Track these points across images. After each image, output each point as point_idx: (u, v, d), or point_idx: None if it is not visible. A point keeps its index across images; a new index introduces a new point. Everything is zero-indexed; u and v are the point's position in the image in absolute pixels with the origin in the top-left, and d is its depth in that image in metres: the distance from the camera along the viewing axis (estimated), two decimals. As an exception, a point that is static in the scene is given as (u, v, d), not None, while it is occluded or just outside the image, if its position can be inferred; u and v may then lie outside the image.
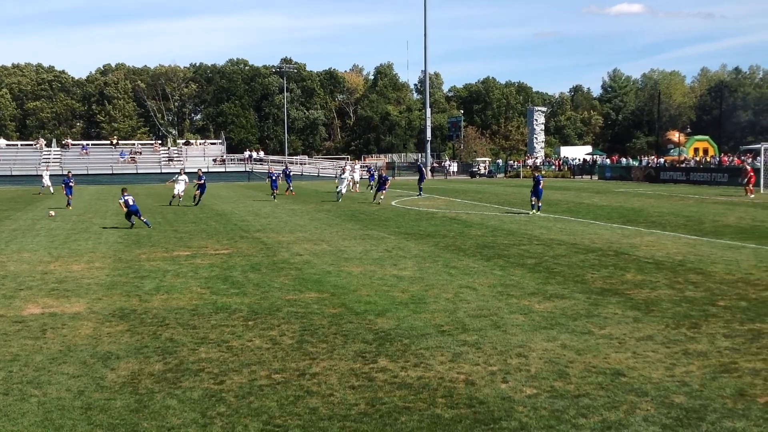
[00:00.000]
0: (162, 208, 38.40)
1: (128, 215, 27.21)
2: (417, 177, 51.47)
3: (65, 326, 11.97)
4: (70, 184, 39.75)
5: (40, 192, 55.09)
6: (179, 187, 39.33)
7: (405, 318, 12.29)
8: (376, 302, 13.56)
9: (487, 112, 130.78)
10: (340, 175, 47.95)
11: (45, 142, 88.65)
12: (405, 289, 14.77)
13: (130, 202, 27.09)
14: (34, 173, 77.18)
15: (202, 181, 39.24)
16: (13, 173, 76.50)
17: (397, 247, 21.28)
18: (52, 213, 25.70)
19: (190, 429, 7.53)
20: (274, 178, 45.43)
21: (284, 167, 58.16)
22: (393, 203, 39.73)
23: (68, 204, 38.38)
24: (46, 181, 56.01)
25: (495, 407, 8.07)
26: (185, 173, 41.90)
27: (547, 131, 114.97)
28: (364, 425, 7.60)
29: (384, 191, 41.01)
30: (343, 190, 44.24)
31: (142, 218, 27.27)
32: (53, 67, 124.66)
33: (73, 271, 17.51)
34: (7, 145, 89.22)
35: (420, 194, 46.73)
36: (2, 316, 12.71)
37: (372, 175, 53.75)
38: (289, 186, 50.14)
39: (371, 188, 49.52)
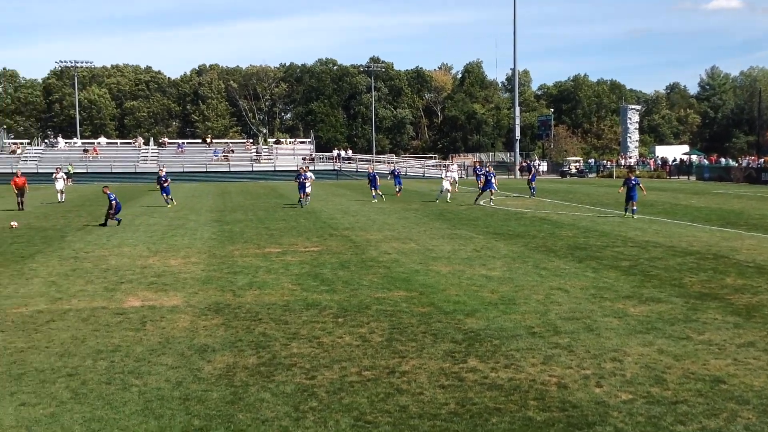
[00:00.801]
0: (253, 205, 39.22)
1: (114, 214, 28.04)
2: (520, 177, 49.43)
3: (164, 319, 12.36)
4: (165, 184, 38.96)
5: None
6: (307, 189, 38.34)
7: (495, 318, 12.19)
8: (465, 302, 13.50)
9: (578, 111, 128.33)
10: (445, 174, 45.99)
11: (143, 141, 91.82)
12: (494, 290, 14.65)
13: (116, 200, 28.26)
14: (133, 170, 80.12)
15: (303, 180, 37.90)
16: (113, 170, 79.43)
17: (485, 247, 21.13)
18: (14, 224, 26.19)
19: (284, 422, 7.67)
20: (370, 177, 45.59)
21: (392, 167, 56.24)
22: (481, 203, 39.47)
23: (167, 202, 38.34)
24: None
25: (589, 411, 7.92)
26: (310, 171, 41.57)
27: (641, 130, 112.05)
28: (454, 425, 7.58)
29: (493, 190, 39.82)
30: (448, 188, 42.43)
31: (116, 217, 28.18)
32: (150, 67, 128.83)
33: (170, 266, 18.07)
34: (107, 143, 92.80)
35: (532, 194, 44.63)
36: (105, 308, 13.23)
37: (479, 175, 51.66)
38: (398, 186, 47.44)
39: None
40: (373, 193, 42.64)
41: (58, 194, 44.04)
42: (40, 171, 72.43)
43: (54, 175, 46.23)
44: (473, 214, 32.38)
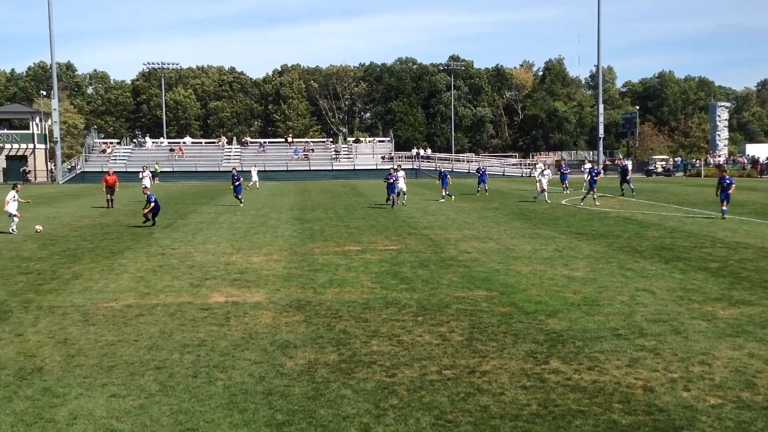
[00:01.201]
0: (333, 203, 39.59)
1: (152, 214, 27.55)
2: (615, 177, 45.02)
3: (247, 315, 12.60)
4: (236, 183, 38.76)
5: (248, 187, 57.71)
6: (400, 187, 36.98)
7: (578, 319, 11.98)
8: (546, 302, 13.32)
9: (664, 108, 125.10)
10: (541, 173, 42.20)
11: (226, 140, 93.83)
12: (577, 290, 14.40)
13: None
14: (216, 169, 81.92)
15: (393, 180, 36.17)
16: (198, 169, 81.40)
17: (568, 247, 20.80)
18: (39, 228, 26.43)
19: (365, 419, 7.71)
20: (441, 176, 45.36)
21: (478, 167, 53.84)
22: (563, 202, 38.85)
23: (240, 201, 38.29)
24: (254, 176, 58.93)
25: (676, 416, 7.71)
26: (402, 171, 39.63)
27: (730, 128, 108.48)
28: (536, 426, 7.48)
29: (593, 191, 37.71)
30: (546, 188, 39.92)
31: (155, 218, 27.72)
32: (234, 68, 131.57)
33: (253, 263, 18.40)
34: (192, 142, 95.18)
35: (633, 192, 43.06)
36: (190, 303, 13.56)
37: (565, 174, 49.86)
38: (484, 186, 46.53)
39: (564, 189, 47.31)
40: (443, 193, 41.74)
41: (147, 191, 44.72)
42: (129, 170, 74.76)
43: (140, 173, 46.79)
44: (555, 214, 31.91)
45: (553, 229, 25.71)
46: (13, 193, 26.79)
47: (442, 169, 45.20)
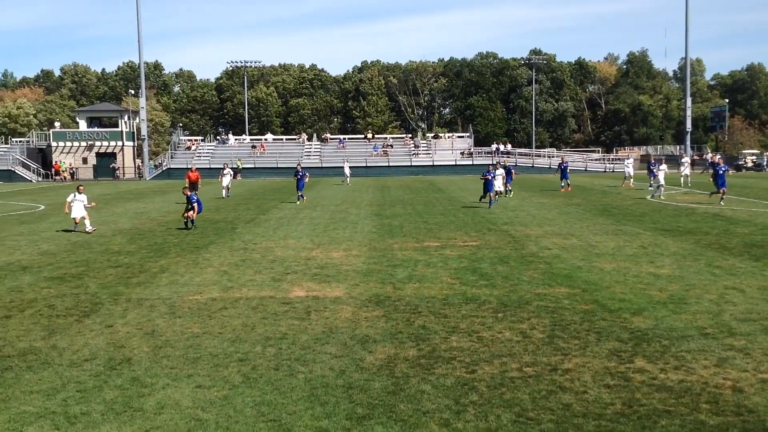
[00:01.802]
0: (412, 199, 39.61)
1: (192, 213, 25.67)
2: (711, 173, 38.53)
3: (327, 309, 12.73)
4: (301, 178, 38.38)
5: (342, 182, 58.48)
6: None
7: (663, 318, 11.67)
8: (631, 300, 13.02)
9: (754, 101, 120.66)
10: (658, 167, 39.53)
11: (306, 137, 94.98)
12: (663, 288, 14.03)
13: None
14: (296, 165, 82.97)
15: (491, 177, 33.57)
16: (279, 165, 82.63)
17: (653, 244, 20.28)
18: (92, 203, 25.25)
19: (444, 414, 7.69)
20: (564, 167, 45.16)
21: (560, 161, 51.35)
22: (648, 198, 37.91)
23: (299, 198, 38.06)
24: (347, 171, 59.63)
25: (766, 416, 7.44)
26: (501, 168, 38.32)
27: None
28: (620, 426, 7.32)
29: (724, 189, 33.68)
30: (663, 183, 37.80)
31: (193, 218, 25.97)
32: (315, 65, 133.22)
33: (332, 258, 18.58)
34: (273, 139, 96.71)
35: (718, 195, 37.01)
36: (272, 297, 13.79)
37: (653, 170, 46.78)
38: (566, 181, 45.69)
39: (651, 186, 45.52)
40: (562, 183, 40.61)
41: (223, 190, 43.94)
42: (212, 166, 76.44)
43: (222, 171, 46.06)
44: (639, 210, 31.16)
45: (637, 225, 25.11)
46: (73, 194, 25.30)
47: (564, 161, 44.89)
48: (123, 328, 11.62)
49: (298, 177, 38.81)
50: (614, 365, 9.28)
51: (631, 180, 49.62)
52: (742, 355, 9.59)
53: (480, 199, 34.66)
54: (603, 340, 10.43)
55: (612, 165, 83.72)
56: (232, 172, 46.56)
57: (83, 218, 25.06)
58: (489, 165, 37.24)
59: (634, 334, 10.75)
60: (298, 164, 43.75)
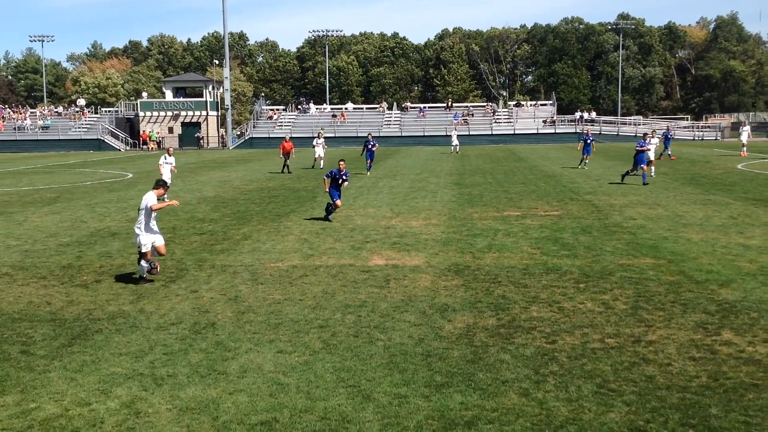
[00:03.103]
0: (492, 168, 39.22)
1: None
2: None
3: (406, 278, 12.76)
4: (371, 148, 37.19)
5: (450, 152, 57.95)
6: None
7: (753, 290, 11.28)
8: (719, 271, 12.62)
9: None
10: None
11: (387, 106, 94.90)
12: (753, 259, 13.54)
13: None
14: (377, 134, 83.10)
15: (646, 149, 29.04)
16: (359, 134, 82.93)
17: (743, 214, 19.57)
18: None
19: (524, 384, 7.63)
20: (669, 136, 44.00)
21: (665, 129, 49.88)
22: (739, 167, 36.55)
23: (369, 168, 36.99)
24: (455, 140, 59.22)
25: None
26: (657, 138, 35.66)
27: None
28: (705, 399, 7.14)
29: None
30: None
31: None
32: (397, 33, 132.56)
33: (412, 227, 18.59)
34: (353, 108, 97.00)
35: None
36: (352, 265, 13.90)
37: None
38: (667, 149, 44.50)
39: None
40: (585, 160, 37.94)
41: (321, 161, 41.71)
42: (294, 135, 77.31)
43: (315, 140, 43.15)
44: (729, 179, 30.09)
45: (727, 195, 24.27)
46: (164, 157, 26.98)
47: (588, 133, 40.74)
48: (207, 293, 11.92)
49: (369, 147, 37.51)
50: (700, 337, 9.04)
51: (744, 149, 47.23)
52: (838, 330, 9.20)
53: (624, 177, 29.27)
54: (689, 312, 10.16)
55: (701, 132, 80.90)
56: (324, 143, 43.05)
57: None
58: (643, 134, 33.04)
59: (721, 306, 10.43)
60: (369, 134, 42.24)
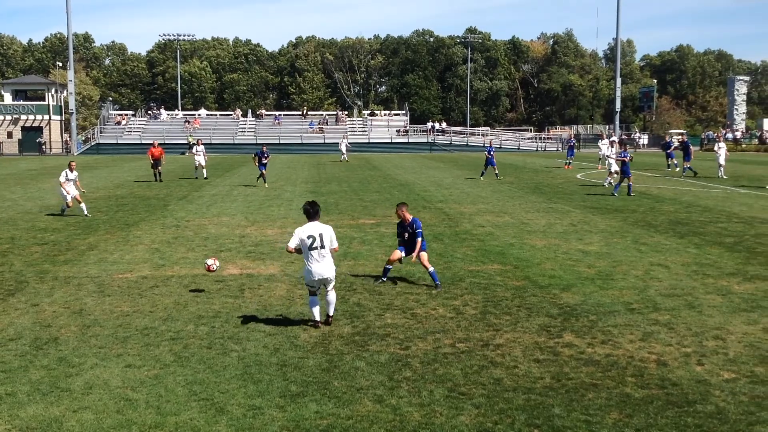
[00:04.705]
0: (348, 177, 39.52)
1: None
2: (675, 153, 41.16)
3: (261, 287, 12.65)
4: (264, 160, 33.64)
5: (340, 160, 57.32)
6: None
7: (591, 294, 11.96)
8: (560, 276, 13.29)
9: (683, 82, 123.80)
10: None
11: (241, 113, 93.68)
12: (591, 265, 14.36)
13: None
14: (231, 142, 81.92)
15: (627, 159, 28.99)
16: (212, 141, 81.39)
17: (582, 222, 20.72)
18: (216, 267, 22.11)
19: (378, 391, 7.74)
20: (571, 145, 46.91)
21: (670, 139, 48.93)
22: (578, 176, 38.64)
23: (261, 179, 33.64)
24: (343, 149, 59.10)
25: (689, 390, 7.70)
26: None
27: (749, 101, 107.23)
28: (549, 399, 7.49)
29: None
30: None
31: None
32: (250, 40, 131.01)
33: (267, 236, 18.44)
34: (207, 115, 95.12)
35: (685, 171, 38.63)
36: (205, 275, 13.61)
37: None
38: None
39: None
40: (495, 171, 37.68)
41: (203, 170, 38.45)
42: (144, 141, 74.80)
43: (195, 147, 39.68)
44: (570, 188, 31.76)
45: (568, 203, 25.60)
46: (65, 172, 22.84)
47: (491, 144, 41.47)
48: (49, 306, 11.34)
49: (259, 157, 33.91)
50: (544, 340, 9.48)
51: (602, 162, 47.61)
52: (667, 329, 9.90)
53: (615, 190, 28.34)
54: (533, 316, 10.64)
55: (543, 144, 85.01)
56: (204, 150, 39.28)
57: (75, 199, 22.73)
58: (625, 144, 32.27)
59: (563, 309, 10.99)
60: (264, 146, 36.64)
